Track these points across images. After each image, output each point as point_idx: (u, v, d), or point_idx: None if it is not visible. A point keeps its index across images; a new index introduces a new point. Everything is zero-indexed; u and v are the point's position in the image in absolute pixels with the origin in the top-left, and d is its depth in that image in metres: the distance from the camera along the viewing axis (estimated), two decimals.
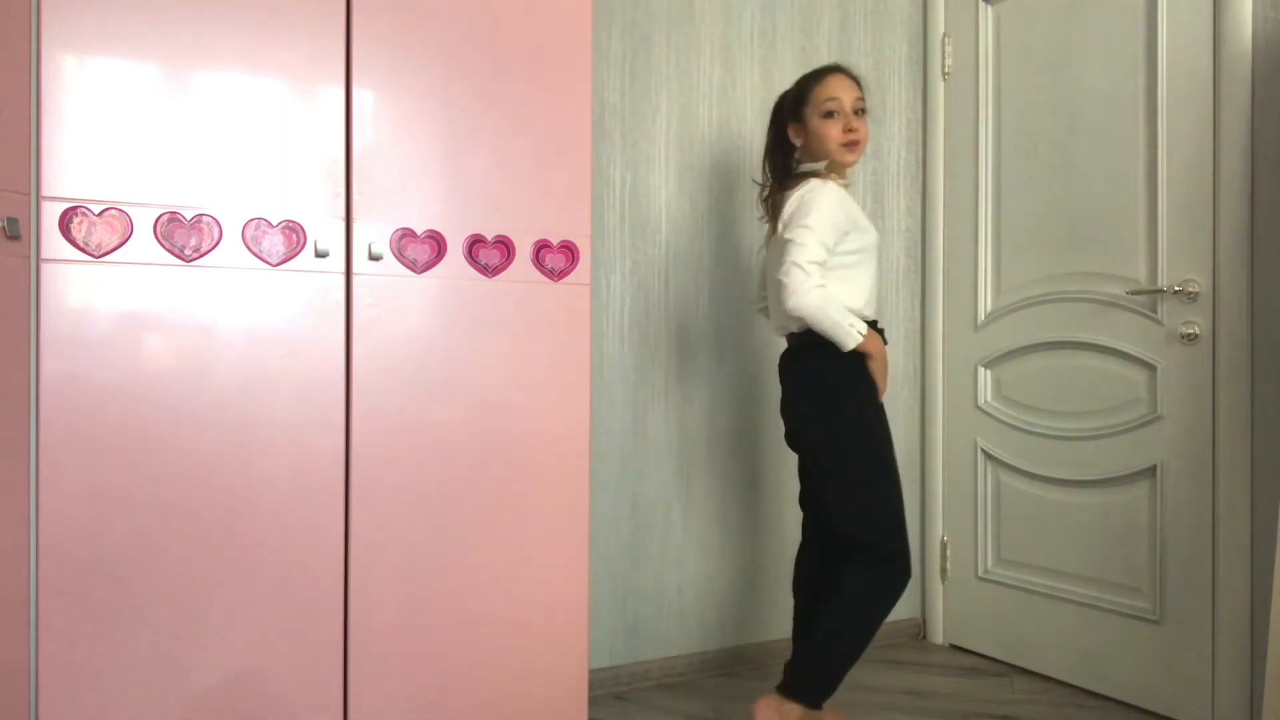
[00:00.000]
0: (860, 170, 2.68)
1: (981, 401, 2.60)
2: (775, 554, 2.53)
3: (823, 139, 1.90)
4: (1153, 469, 2.16)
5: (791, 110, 1.95)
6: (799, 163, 1.97)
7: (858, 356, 1.80)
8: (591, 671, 2.20)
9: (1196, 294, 2.07)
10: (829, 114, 1.89)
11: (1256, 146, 1.97)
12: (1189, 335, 2.08)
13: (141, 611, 1.37)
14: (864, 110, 1.93)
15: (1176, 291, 2.09)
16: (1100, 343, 2.28)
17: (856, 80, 1.94)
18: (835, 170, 1.92)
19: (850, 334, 1.76)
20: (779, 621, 2.52)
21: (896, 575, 1.84)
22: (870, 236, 1.88)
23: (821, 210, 1.78)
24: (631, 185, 2.35)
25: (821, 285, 1.75)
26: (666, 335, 2.39)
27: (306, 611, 1.47)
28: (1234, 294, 2.00)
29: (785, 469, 2.50)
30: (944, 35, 2.70)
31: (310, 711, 1.47)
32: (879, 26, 2.71)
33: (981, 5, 2.59)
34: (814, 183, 1.84)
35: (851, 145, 1.90)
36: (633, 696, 2.28)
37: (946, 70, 2.70)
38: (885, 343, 1.88)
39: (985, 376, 2.59)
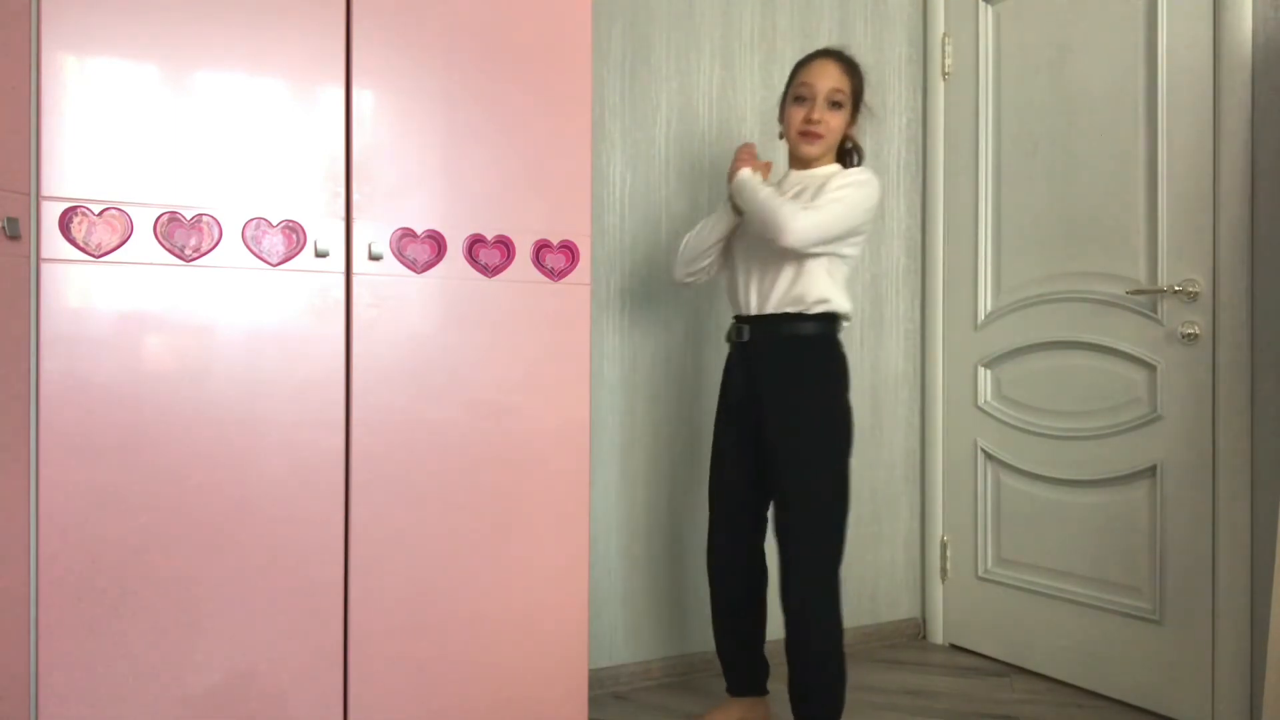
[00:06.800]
0: None
1: (981, 401, 2.60)
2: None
3: (785, 124, 1.89)
4: (1153, 469, 2.16)
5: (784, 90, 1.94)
6: None
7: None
8: (591, 671, 2.20)
9: (1196, 294, 2.07)
10: (798, 98, 1.85)
11: (1256, 146, 1.97)
12: (1189, 335, 2.08)
13: (141, 611, 1.37)
14: (841, 103, 1.84)
15: (1176, 291, 2.09)
16: (1100, 343, 2.28)
17: (850, 69, 1.85)
18: (794, 160, 1.91)
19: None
20: (780, 621, 2.52)
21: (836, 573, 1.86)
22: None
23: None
24: (631, 185, 2.34)
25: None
26: (667, 335, 2.39)
27: (306, 611, 1.47)
28: (1234, 294, 2.00)
29: None
30: (944, 35, 2.70)
31: (310, 711, 1.48)
32: (879, 26, 2.71)
33: (981, 5, 2.59)
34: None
35: (807, 136, 1.83)
36: (633, 696, 2.27)
37: (946, 70, 2.70)
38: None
39: (985, 376, 2.59)
